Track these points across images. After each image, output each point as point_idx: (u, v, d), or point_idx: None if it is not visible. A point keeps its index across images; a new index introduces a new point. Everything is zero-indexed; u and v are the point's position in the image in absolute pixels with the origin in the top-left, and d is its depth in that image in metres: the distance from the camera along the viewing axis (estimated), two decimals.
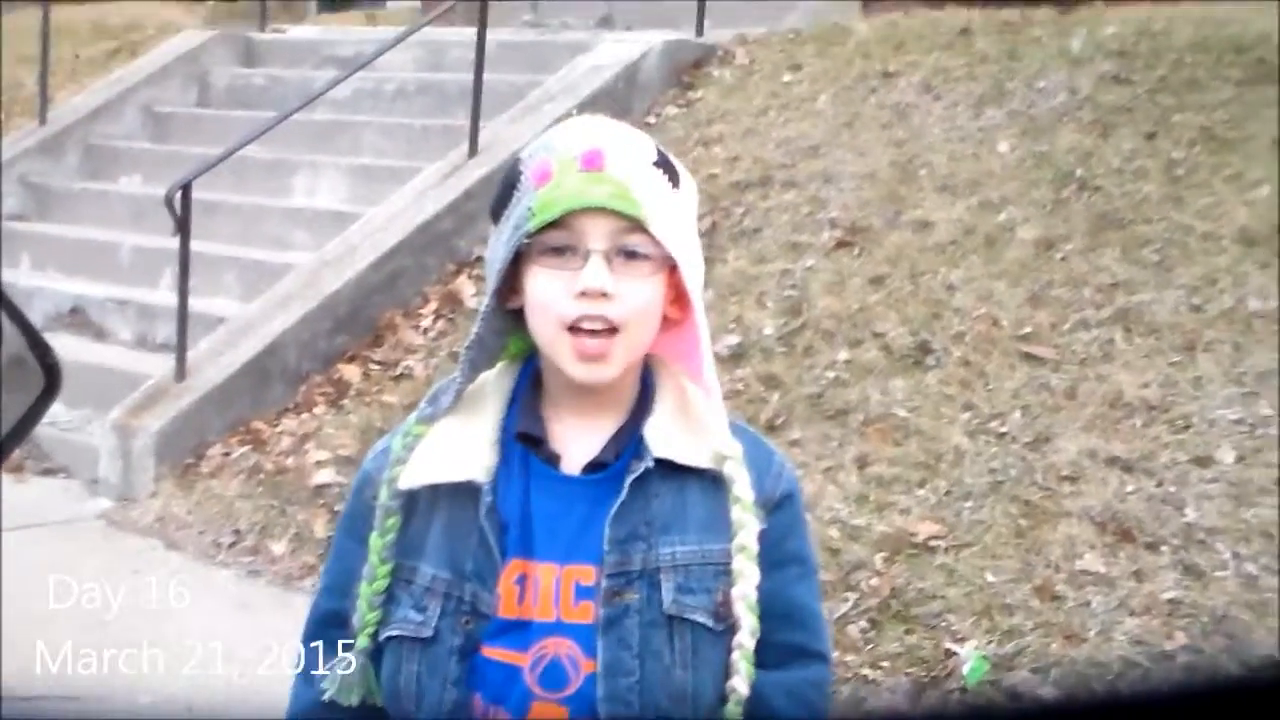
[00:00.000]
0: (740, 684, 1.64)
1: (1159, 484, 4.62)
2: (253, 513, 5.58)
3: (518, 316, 1.69)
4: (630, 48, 7.89)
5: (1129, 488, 4.62)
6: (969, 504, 4.70)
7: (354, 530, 1.75)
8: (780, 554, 1.72)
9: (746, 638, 1.65)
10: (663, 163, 1.67)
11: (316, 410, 6.18)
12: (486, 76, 7.33)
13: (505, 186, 1.68)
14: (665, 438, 1.68)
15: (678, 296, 1.69)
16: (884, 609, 4.35)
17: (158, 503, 5.83)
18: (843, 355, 5.57)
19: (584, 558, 1.65)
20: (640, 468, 1.66)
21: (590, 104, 7.47)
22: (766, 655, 1.70)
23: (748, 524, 1.66)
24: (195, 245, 6.41)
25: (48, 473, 6.32)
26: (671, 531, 1.66)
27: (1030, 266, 5.77)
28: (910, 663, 4.15)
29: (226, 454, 6.04)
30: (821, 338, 5.71)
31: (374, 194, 7.44)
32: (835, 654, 4.15)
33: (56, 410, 6.32)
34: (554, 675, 1.64)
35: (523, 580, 1.65)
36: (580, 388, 1.68)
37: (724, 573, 1.66)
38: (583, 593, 1.65)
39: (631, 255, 1.62)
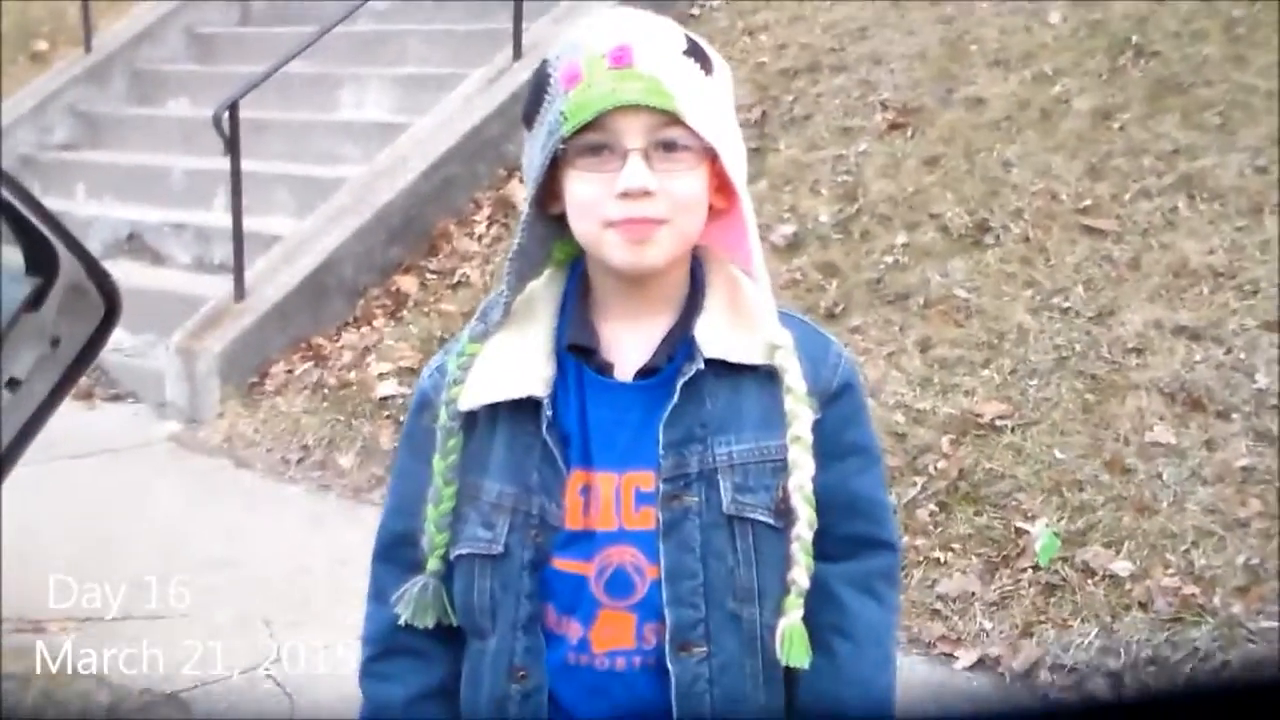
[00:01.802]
0: (800, 575, 1.62)
1: (1228, 351, 4.55)
2: (319, 428, 5.62)
3: (560, 222, 1.66)
4: None
5: (1197, 356, 4.55)
6: (1034, 382, 4.65)
7: (415, 450, 1.74)
8: (841, 445, 1.69)
9: (804, 529, 1.62)
10: (693, 51, 1.62)
11: (376, 323, 6.20)
12: None
13: (535, 90, 1.64)
14: (717, 336, 1.64)
15: (721, 185, 1.65)
16: (952, 491, 4.33)
17: (225, 423, 5.89)
18: (900, 239, 5.51)
19: (641, 463, 1.63)
20: (691, 370, 1.62)
21: None
22: (832, 548, 1.68)
23: (801, 415, 1.62)
24: (246, 164, 6.40)
25: (115, 399, 6.39)
26: (727, 431, 1.64)
27: (1088, 138, 5.65)
28: (981, 543, 4.13)
29: (289, 371, 6.07)
30: (878, 222, 5.64)
31: (421, 103, 7.39)
32: (905, 539, 4.15)
33: (120, 336, 6.37)
34: (619, 583, 1.63)
35: (586, 490, 1.64)
36: (629, 285, 1.65)
37: (782, 468, 1.63)
38: (643, 498, 1.63)
39: (670, 148, 1.58)
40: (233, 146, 6.19)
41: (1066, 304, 4.93)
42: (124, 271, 6.52)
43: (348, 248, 6.46)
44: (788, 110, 6.46)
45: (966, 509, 4.25)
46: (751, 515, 1.63)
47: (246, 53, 8.41)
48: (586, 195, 1.59)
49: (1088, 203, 5.33)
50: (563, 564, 1.64)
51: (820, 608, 1.67)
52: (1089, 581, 3.89)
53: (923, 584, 4.05)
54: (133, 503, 5.22)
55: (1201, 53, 5.86)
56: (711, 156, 1.61)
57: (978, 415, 4.57)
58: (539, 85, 1.64)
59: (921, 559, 4.12)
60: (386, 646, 1.76)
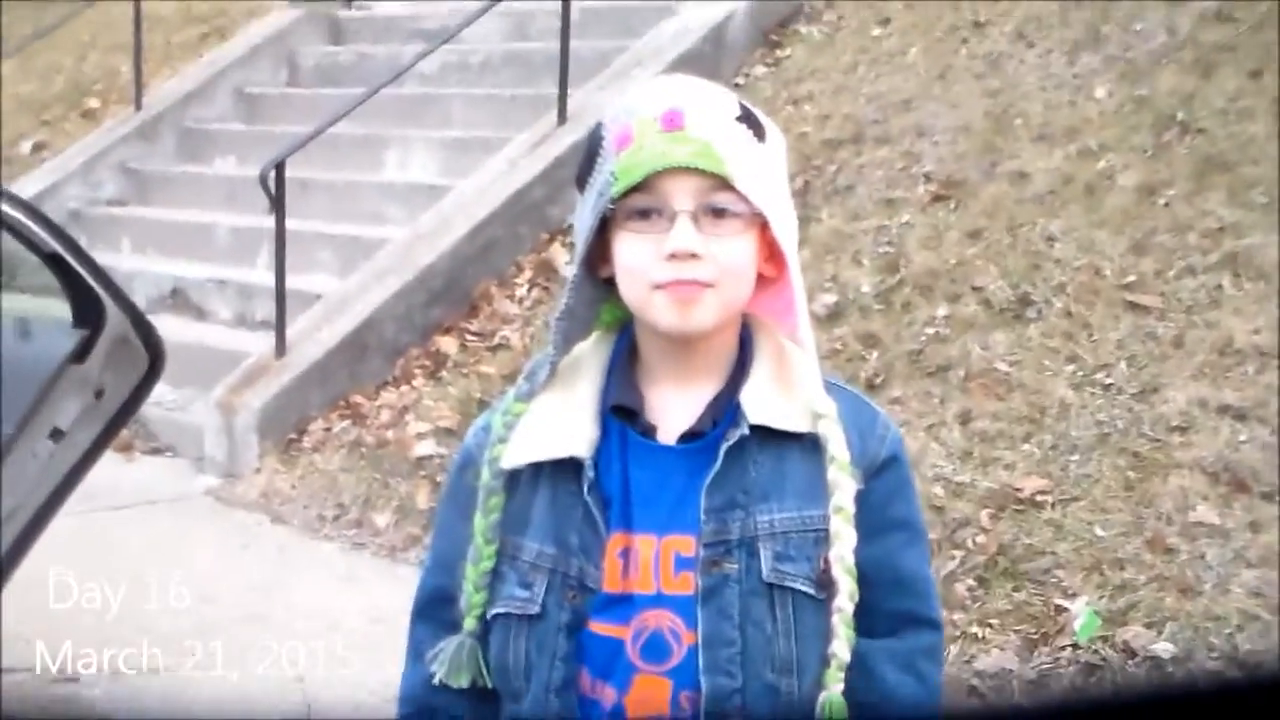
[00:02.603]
0: (840, 648, 1.60)
1: (1273, 432, 4.49)
2: (355, 486, 5.63)
3: (609, 285, 1.66)
4: (716, 9, 7.81)
5: (1241, 436, 4.50)
6: (1075, 457, 4.61)
7: (457, 508, 1.74)
8: (885, 519, 1.67)
9: (845, 601, 1.60)
10: (746, 117, 1.62)
11: (415, 383, 6.22)
12: (573, 44, 7.31)
13: (589, 154, 1.65)
14: (762, 403, 1.63)
15: (771, 254, 1.65)
16: (991, 566, 4.28)
17: (262, 478, 5.90)
18: (942, 311, 5.49)
19: (682, 528, 1.62)
20: (736, 435, 1.61)
21: (677, 67, 7.41)
22: (875, 624, 1.66)
23: (843, 485, 1.61)
24: (290, 223, 6.46)
25: (155, 452, 6.43)
26: (769, 499, 1.62)
27: (1132, 214, 5.64)
28: (1020, 620, 4.08)
29: (328, 428, 6.09)
30: (919, 294, 5.63)
31: (465, 166, 7.45)
32: (943, 613, 4.11)
33: (161, 390, 6.41)
34: (656, 647, 1.61)
35: (626, 553, 1.62)
36: (675, 349, 1.64)
37: (824, 539, 1.62)
38: (682, 563, 1.62)
39: (720, 214, 1.57)
40: (278, 205, 6.26)
41: (1109, 380, 4.90)
42: (166, 326, 6.56)
43: (389, 307, 6.49)
44: (830, 180, 6.47)
45: (1005, 584, 4.21)
46: (792, 585, 1.61)
47: (293, 113, 8.53)
48: (634, 257, 1.59)
49: (1131, 278, 5.31)
50: (599, 627, 1.62)
51: (861, 685, 1.64)
52: (1130, 662, 3.83)
53: (960, 659, 3.99)
54: (169, 556, 5.23)
55: (1248, 131, 5.84)
56: (762, 224, 1.61)
57: (1017, 490, 4.53)
58: (592, 148, 1.64)
59: (959, 634, 4.07)
60: (420, 705, 1.75)
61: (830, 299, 5.72)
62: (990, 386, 5.05)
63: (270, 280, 6.50)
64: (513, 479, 1.67)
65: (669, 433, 1.65)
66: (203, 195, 8.39)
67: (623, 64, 7.63)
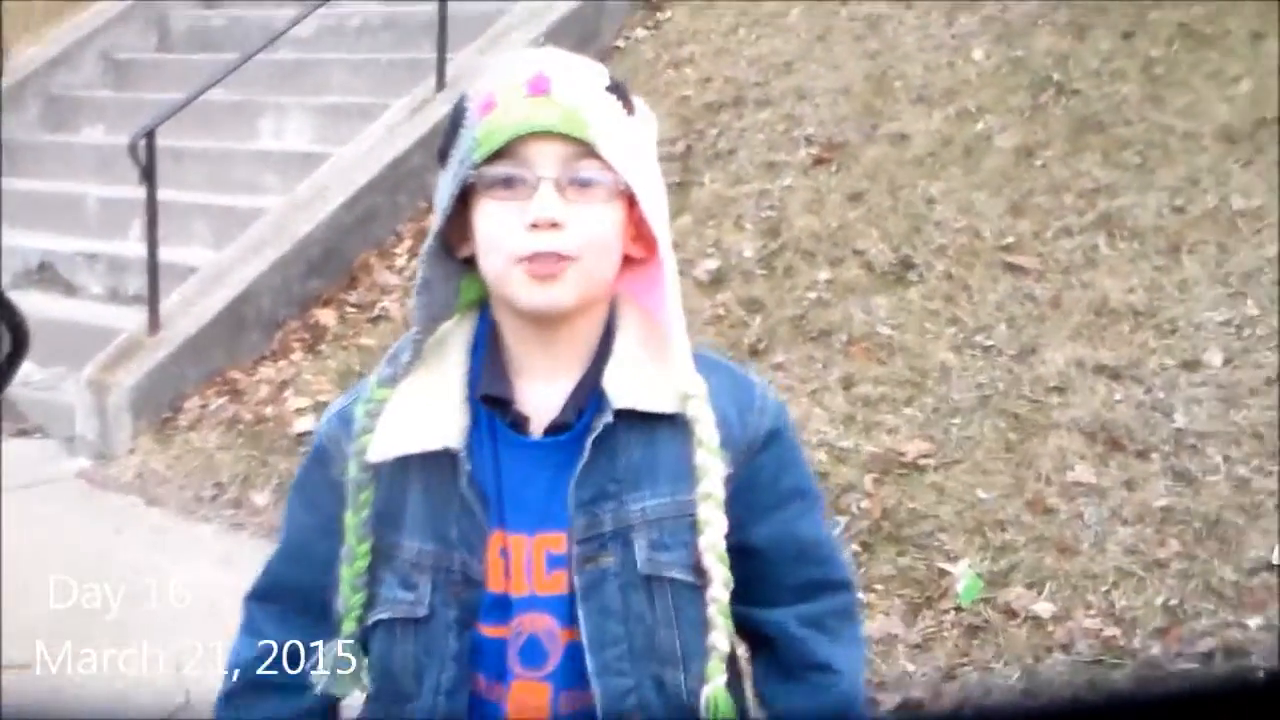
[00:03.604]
0: (719, 639, 1.55)
1: (1147, 390, 4.56)
2: (233, 464, 5.51)
3: (470, 264, 1.59)
4: None
5: (1117, 396, 4.57)
6: (957, 420, 4.64)
7: (309, 503, 1.67)
8: (778, 493, 1.64)
9: (719, 590, 1.55)
10: (615, 88, 1.57)
11: (293, 356, 6.10)
12: (451, 6, 7.18)
13: (452, 124, 1.58)
14: (627, 385, 1.56)
15: (639, 233, 1.59)
16: (875, 531, 4.30)
17: (136, 459, 5.76)
18: (824, 275, 5.49)
19: (553, 525, 1.56)
20: (600, 424, 1.55)
21: (558, 28, 7.34)
22: (787, 596, 1.65)
23: (712, 469, 1.55)
24: (163, 194, 6.29)
25: (23, 434, 6.24)
26: (641, 486, 1.57)
27: (1010, 175, 5.68)
28: (904, 584, 4.10)
29: (204, 406, 5.96)
30: (802, 258, 5.63)
31: (343, 133, 7.30)
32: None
33: (29, 369, 6.23)
34: (533, 652, 1.57)
35: (505, 553, 1.57)
36: (538, 330, 1.58)
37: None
38: (554, 561, 1.56)
39: (585, 185, 1.52)
40: (149, 175, 6.08)
41: (989, 342, 4.94)
42: (34, 302, 6.40)
43: (266, 280, 6.36)
44: (712, 144, 6.44)
45: (889, 549, 4.23)
46: (668, 574, 1.56)
47: (164, 79, 8.30)
48: (495, 226, 1.52)
49: (1010, 240, 5.35)
50: (487, 629, 1.57)
51: (784, 652, 1.65)
52: (1011, 623, 3.87)
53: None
54: (39, 541, 5.07)
55: (1120, 91, 5.91)
56: (630, 201, 1.55)
57: (901, 454, 4.55)
58: (456, 119, 1.58)
59: None
60: (248, 682, 1.69)
61: (712, 264, 5.69)
62: (872, 350, 5.07)
63: (142, 253, 6.32)
64: (379, 471, 1.59)
65: (539, 423, 1.59)
66: (71, 165, 8.14)
67: (502, 26, 7.53)
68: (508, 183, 1.52)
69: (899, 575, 4.13)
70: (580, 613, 1.54)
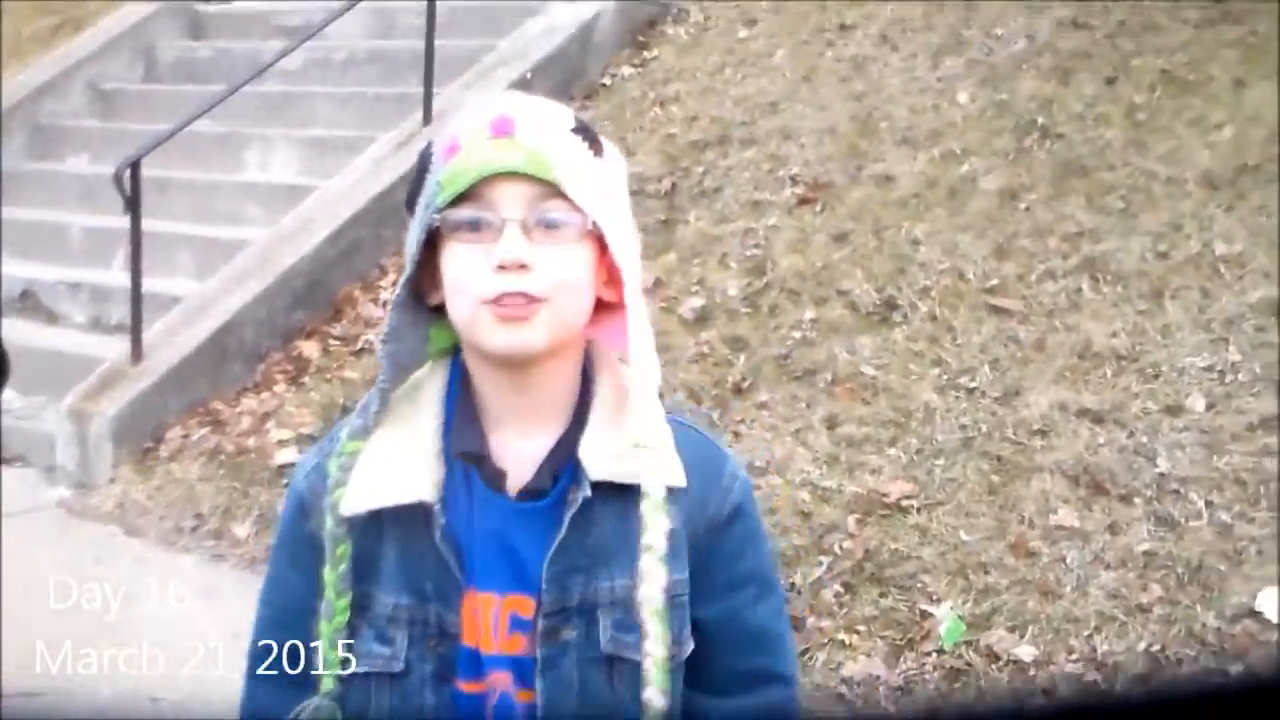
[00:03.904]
0: (654, 695, 1.53)
1: (1130, 435, 4.58)
2: (215, 495, 5.49)
3: (442, 312, 1.57)
4: (584, 8, 7.76)
5: (1100, 439, 4.58)
6: (940, 462, 4.65)
7: (292, 558, 1.64)
8: (734, 574, 1.61)
9: (654, 645, 1.52)
10: (582, 130, 1.56)
11: (276, 388, 6.08)
12: (438, 42, 7.20)
13: (418, 171, 1.57)
14: (603, 456, 1.55)
15: (612, 277, 1.57)
16: (858, 572, 4.30)
17: (117, 489, 5.73)
18: (808, 314, 5.51)
19: (522, 588, 1.55)
20: (579, 498, 1.53)
21: (544, 66, 7.37)
22: (727, 683, 1.61)
23: (656, 522, 1.52)
24: (147, 224, 6.28)
25: (3, 462, 6.19)
26: (611, 563, 1.55)
27: (994, 218, 5.71)
28: (886, 625, 4.10)
29: (186, 436, 5.93)
30: (786, 297, 5.64)
31: (328, 166, 7.31)
32: (810, 620, 4.12)
33: (9, 397, 6.21)
34: (506, 711, 1.56)
35: (475, 611, 1.55)
36: (509, 378, 1.55)
37: (671, 605, 1.55)
38: (517, 624, 1.55)
39: (552, 226, 1.49)
40: (133, 205, 6.07)
41: (973, 384, 4.95)
42: (16, 330, 6.38)
43: (249, 311, 6.35)
44: (698, 182, 6.47)
45: (872, 590, 4.22)
46: (631, 656, 1.54)
47: (151, 109, 8.29)
48: (462, 269, 1.50)
49: (994, 282, 5.38)
50: (465, 685, 1.55)
51: None
52: (993, 666, 3.87)
53: (827, 667, 4.00)
54: (17, 571, 5.04)
55: (1104, 136, 5.96)
56: (600, 242, 1.53)
57: (884, 495, 4.55)
58: (422, 165, 1.57)
59: (826, 641, 4.08)
60: None
61: (697, 302, 5.70)
62: (856, 391, 5.08)
63: (126, 282, 6.30)
64: (354, 525, 1.56)
65: (515, 482, 1.56)
66: (55, 194, 8.11)
67: (489, 63, 7.55)
68: (474, 225, 1.50)
69: (881, 616, 4.13)
70: (539, 684, 1.53)
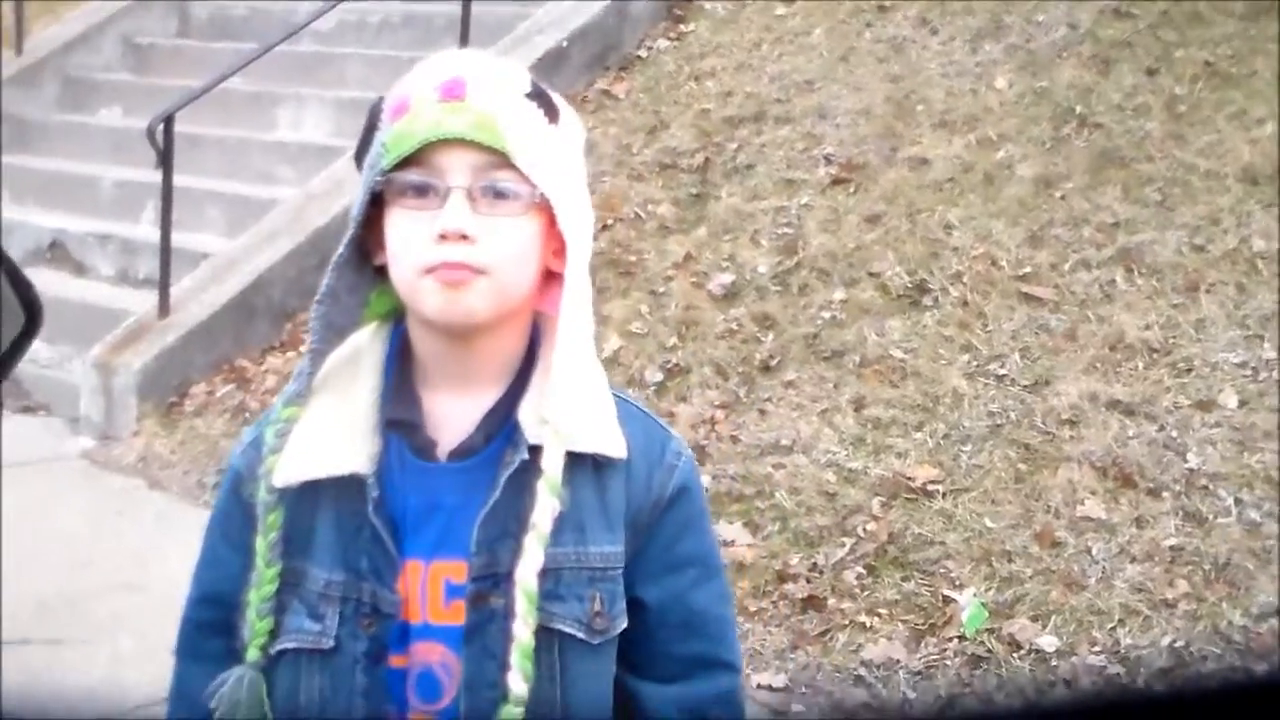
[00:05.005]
0: (514, 681, 1.46)
1: (1160, 428, 4.55)
2: None
3: (384, 274, 1.52)
4: None
5: (1130, 432, 4.55)
6: (967, 448, 4.63)
7: (227, 532, 1.58)
8: (675, 556, 1.57)
9: (519, 626, 1.46)
10: (538, 95, 1.50)
11: (302, 348, 6.06)
12: (474, 7, 7.18)
13: (367, 128, 1.52)
14: (543, 419, 1.50)
15: (563, 247, 1.50)
16: (881, 554, 4.28)
17: (140, 441, 5.73)
18: (838, 295, 5.48)
19: (453, 552, 1.49)
20: (516, 460, 1.48)
21: (579, 36, 7.33)
22: (668, 669, 1.57)
23: (544, 503, 1.46)
24: (178, 179, 6.27)
25: (27, 410, 6.21)
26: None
27: (1029, 205, 5.67)
28: (908, 610, 4.08)
29: (210, 392, 5.94)
30: (817, 277, 5.61)
31: (360, 127, 7.26)
32: (831, 600, 4.11)
33: (36, 347, 6.19)
34: (428, 685, 1.50)
35: (408, 579, 1.50)
36: (451, 345, 1.51)
37: (600, 577, 1.51)
38: (454, 591, 1.49)
39: (500, 195, 1.44)
40: (166, 160, 6.07)
41: (1002, 371, 4.92)
42: (44, 281, 6.36)
43: (278, 270, 6.34)
44: (731, 158, 6.43)
45: (894, 573, 4.21)
46: (559, 626, 1.49)
47: (183, 65, 8.28)
48: (404, 235, 1.45)
49: (1027, 270, 5.34)
50: (395, 660, 1.50)
51: None
52: (1014, 655, 3.85)
53: (847, 648, 3.99)
54: (39, 520, 5.05)
55: (1144, 127, 5.91)
56: (550, 212, 1.48)
57: (909, 479, 4.53)
58: (370, 123, 1.52)
59: (847, 622, 4.07)
60: None
61: (727, 279, 5.68)
62: (885, 373, 5.05)
63: (155, 237, 6.31)
64: (287, 495, 1.51)
65: (445, 446, 1.52)
66: (86, 146, 8.11)
67: (524, 30, 7.51)
68: (418, 191, 1.45)
69: (903, 600, 4.12)
70: (464, 652, 1.49)
